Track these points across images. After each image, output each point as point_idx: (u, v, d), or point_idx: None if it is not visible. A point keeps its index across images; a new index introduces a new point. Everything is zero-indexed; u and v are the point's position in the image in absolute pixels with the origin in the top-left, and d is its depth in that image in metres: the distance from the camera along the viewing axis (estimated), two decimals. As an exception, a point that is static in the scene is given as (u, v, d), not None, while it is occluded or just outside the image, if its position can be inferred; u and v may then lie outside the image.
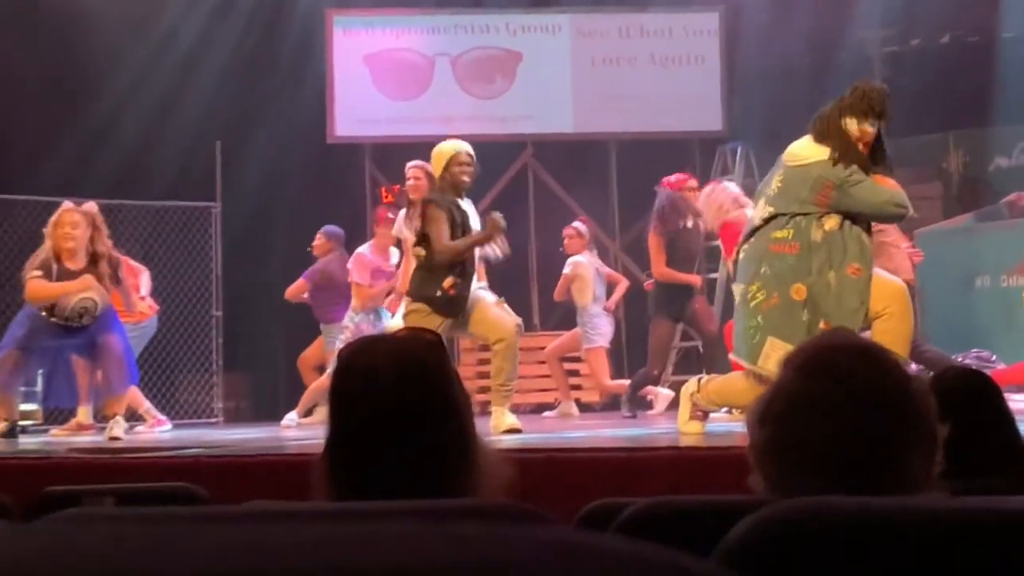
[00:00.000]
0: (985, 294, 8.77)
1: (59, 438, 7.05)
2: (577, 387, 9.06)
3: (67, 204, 6.71)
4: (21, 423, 6.93)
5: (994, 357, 7.97)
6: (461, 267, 5.88)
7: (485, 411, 6.30)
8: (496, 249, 6.07)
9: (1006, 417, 2.33)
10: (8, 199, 8.82)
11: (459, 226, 5.89)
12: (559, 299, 8.60)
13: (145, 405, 7.80)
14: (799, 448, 1.52)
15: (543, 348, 8.66)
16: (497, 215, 5.98)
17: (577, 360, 8.91)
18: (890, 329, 4.83)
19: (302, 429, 7.46)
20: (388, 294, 7.80)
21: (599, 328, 8.18)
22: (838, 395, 1.51)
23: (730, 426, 5.72)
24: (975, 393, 2.33)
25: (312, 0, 10.63)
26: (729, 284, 6.90)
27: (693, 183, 7.80)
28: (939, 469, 1.53)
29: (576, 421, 7.91)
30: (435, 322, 5.74)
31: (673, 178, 7.77)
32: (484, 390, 7.02)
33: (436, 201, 5.95)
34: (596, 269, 8.35)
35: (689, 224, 7.66)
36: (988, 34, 10.27)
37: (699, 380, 5.43)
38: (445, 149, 6.05)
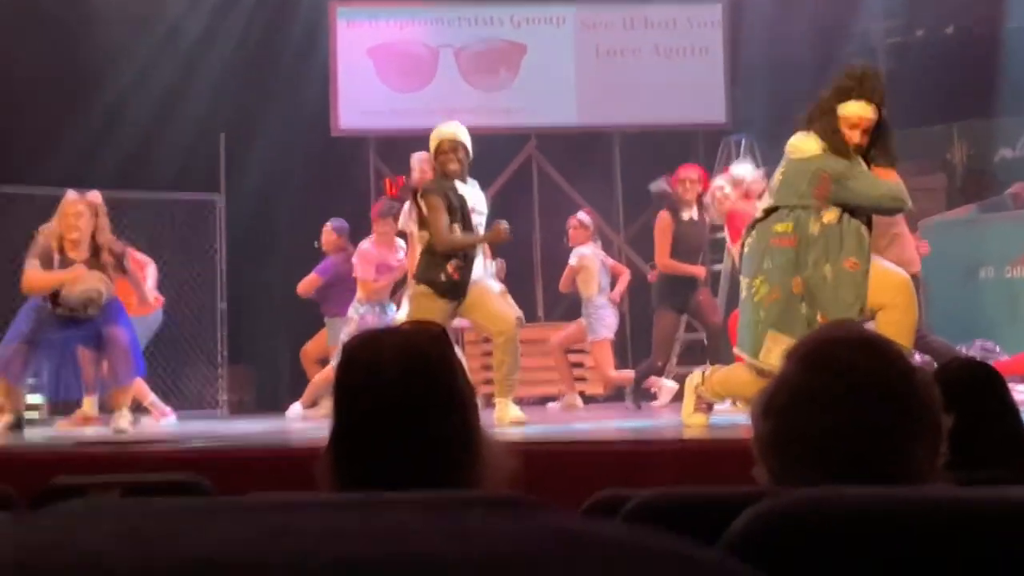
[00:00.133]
0: (989, 285, 8.76)
1: (64, 430, 7.06)
2: (581, 379, 9.06)
3: (71, 194, 6.69)
4: (27, 415, 6.93)
5: (998, 348, 7.97)
6: (463, 252, 5.94)
7: (490, 403, 6.31)
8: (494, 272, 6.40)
9: (1010, 408, 2.33)
10: (12, 192, 8.82)
11: (457, 211, 5.92)
12: (564, 291, 8.59)
13: (150, 397, 7.81)
14: (801, 441, 1.52)
15: (547, 340, 8.66)
16: (504, 226, 6.01)
17: (581, 352, 8.91)
18: (894, 320, 4.82)
19: (307, 421, 7.47)
20: (396, 288, 7.80)
21: (604, 320, 8.18)
22: (840, 388, 1.51)
23: (734, 418, 5.73)
24: (979, 384, 2.32)
25: (315, -8, 10.64)
26: (734, 276, 6.91)
27: (692, 174, 7.76)
28: (943, 460, 1.53)
29: (580, 413, 7.92)
30: (439, 305, 5.83)
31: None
32: (489, 382, 7.03)
33: (432, 190, 5.99)
34: (601, 260, 8.35)
35: (694, 216, 7.66)
36: (993, 25, 10.24)
37: (703, 372, 5.44)
38: (433, 137, 6.13)
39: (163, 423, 7.63)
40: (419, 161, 7.34)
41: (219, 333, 9.59)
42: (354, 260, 7.82)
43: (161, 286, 8.19)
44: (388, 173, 10.51)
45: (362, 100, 10.52)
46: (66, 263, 6.53)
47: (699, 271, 7.64)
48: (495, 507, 0.74)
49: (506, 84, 10.69)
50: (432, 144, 6.10)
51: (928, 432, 1.52)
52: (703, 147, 10.70)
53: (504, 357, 5.88)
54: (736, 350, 5.30)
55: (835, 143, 4.83)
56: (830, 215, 4.88)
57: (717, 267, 8.99)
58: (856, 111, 4.84)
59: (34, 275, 6.49)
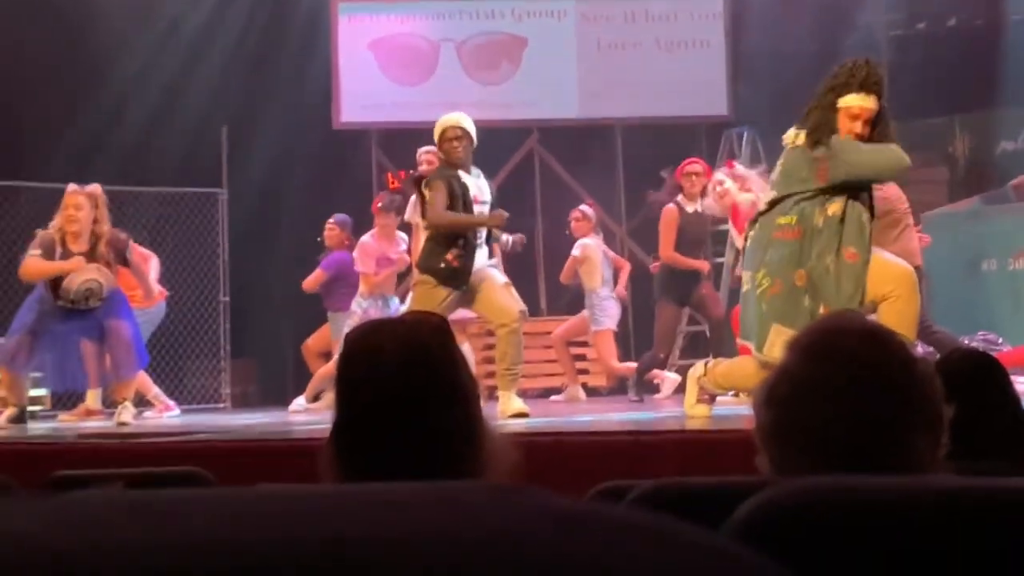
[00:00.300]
0: (991, 277, 8.77)
1: (68, 423, 7.07)
2: (584, 371, 9.06)
3: (72, 186, 6.70)
4: (30, 408, 6.94)
5: (1000, 340, 7.98)
6: (464, 239, 5.93)
7: (493, 396, 6.31)
8: (508, 239, 6.48)
9: (1012, 399, 2.33)
10: (15, 186, 8.83)
11: (459, 198, 5.93)
12: (566, 281, 8.57)
13: (153, 391, 7.82)
14: (803, 432, 1.51)
15: (550, 332, 8.66)
16: (503, 213, 6.07)
17: (584, 344, 8.91)
18: (897, 311, 4.82)
19: (310, 414, 7.48)
20: (401, 282, 7.80)
21: (608, 311, 8.17)
22: (841, 378, 1.50)
23: (736, 409, 5.72)
24: (981, 375, 2.32)
25: (316, -14, 10.63)
26: (735, 268, 6.91)
27: (696, 167, 7.77)
28: (945, 451, 1.52)
29: (583, 405, 7.91)
30: (441, 294, 5.85)
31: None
32: (492, 375, 7.04)
33: (435, 177, 6.02)
34: (604, 252, 8.35)
35: (699, 208, 7.66)
36: (995, 17, 10.23)
37: (706, 364, 5.44)
38: (437, 126, 6.14)
39: (167, 416, 7.64)
40: (425, 153, 7.35)
41: (222, 327, 9.60)
42: (355, 254, 7.82)
43: (164, 280, 8.20)
44: (390, 166, 10.51)
45: (364, 94, 10.52)
46: (67, 255, 6.53)
47: (702, 265, 7.64)
48: (492, 491, 0.73)
49: (507, 77, 10.68)
50: (437, 133, 6.11)
51: (930, 423, 1.51)
52: (705, 140, 10.69)
53: (507, 349, 5.86)
54: (740, 340, 5.30)
55: (821, 134, 4.86)
56: (834, 206, 4.87)
57: (719, 259, 8.99)
58: (857, 102, 4.85)
59: (33, 263, 6.51)
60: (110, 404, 7.01)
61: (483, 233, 6.06)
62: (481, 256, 6.02)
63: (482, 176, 6.21)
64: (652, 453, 4.10)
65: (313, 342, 8.40)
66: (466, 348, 7.29)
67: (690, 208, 7.66)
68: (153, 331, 7.97)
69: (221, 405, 9.43)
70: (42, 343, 6.65)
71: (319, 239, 8.52)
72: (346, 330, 7.06)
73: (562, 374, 8.71)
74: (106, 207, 6.72)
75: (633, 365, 8.03)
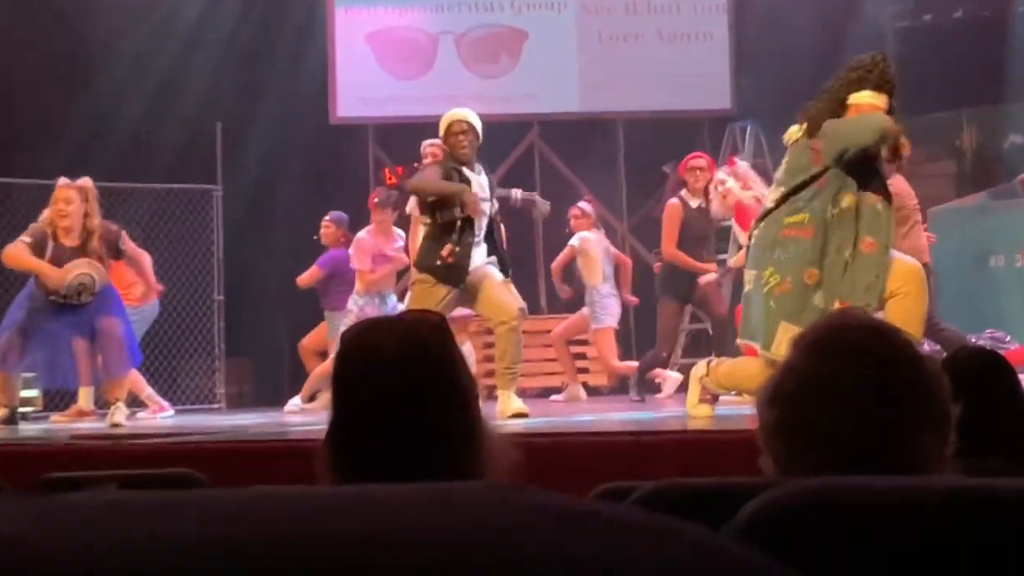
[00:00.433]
0: (999, 273, 8.71)
1: (60, 424, 7.02)
2: (584, 370, 9.02)
3: (62, 180, 6.68)
4: (21, 409, 6.89)
5: (1008, 337, 7.95)
6: (459, 236, 5.87)
7: (493, 395, 6.25)
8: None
9: (1019, 397, 2.32)
10: (8, 182, 8.76)
11: None
12: (557, 274, 8.40)
13: (147, 391, 7.76)
14: (808, 430, 1.51)
15: (550, 331, 8.60)
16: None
17: (584, 343, 8.86)
18: (905, 308, 4.84)
19: (305, 414, 7.43)
20: (400, 280, 7.75)
21: (608, 308, 8.11)
22: (847, 376, 1.50)
23: (739, 409, 5.67)
24: (988, 373, 2.31)
25: (313, -22, 10.57)
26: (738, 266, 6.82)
27: (700, 162, 7.70)
28: (951, 449, 1.52)
29: (583, 405, 7.88)
30: (440, 292, 5.84)
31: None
32: (491, 374, 6.96)
33: (436, 166, 6.08)
34: (604, 248, 8.26)
35: (702, 204, 7.58)
36: (1001, 9, 10.18)
37: (708, 363, 5.43)
38: (443, 120, 6.13)
39: (160, 417, 7.57)
40: (430, 146, 7.32)
41: (216, 325, 9.52)
42: (351, 251, 7.76)
43: (158, 278, 8.11)
44: (387, 161, 10.44)
45: (361, 87, 10.45)
46: (59, 249, 6.51)
47: (705, 267, 7.55)
48: (492, 490, 0.75)
49: (507, 71, 10.62)
50: (442, 127, 6.11)
51: (936, 421, 1.51)
52: (708, 134, 10.61)
53: (506, 347, 5.82)
54: (741, 340, 5.26)
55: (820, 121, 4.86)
56: (848, 199, 4.86)
57: (722, 256, 8.90)
58: (868, 100, 4.88)
59: (16, 250, 6.49)
60: (103, 404, 6.96)
61: (481, 231, 5.98)
62: (479, 254, 5.96)
63: (484, 173, 6.16)
64: (654, 454, 4.09)
65: (309, 341, 8.34)
66: (467, 347, 7.22)
67: (694, 203, 7.59)
68: (147, 329, 7.91)
69: (216, 405, 9.38)
70: (33, 342, 6.61)
71: (315, 237, 8.44)
72: (342, 328, 7.03)
73: (562, 373, 8.65)
74: (97, 201, 6.67)
75: (634, 364, 7.98)
